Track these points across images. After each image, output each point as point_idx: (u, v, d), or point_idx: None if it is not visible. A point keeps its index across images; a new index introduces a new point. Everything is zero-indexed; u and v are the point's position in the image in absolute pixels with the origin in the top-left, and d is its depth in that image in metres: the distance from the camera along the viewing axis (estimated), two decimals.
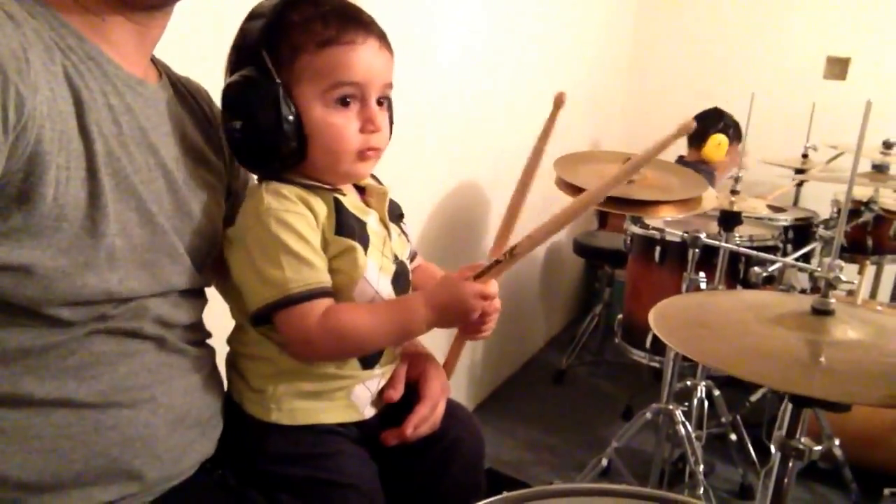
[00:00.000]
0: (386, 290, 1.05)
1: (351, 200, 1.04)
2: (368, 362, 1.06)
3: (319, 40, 0.96)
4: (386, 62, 1.01)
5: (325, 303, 0.97)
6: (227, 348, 1.10)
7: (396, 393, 1.11)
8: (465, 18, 2.47)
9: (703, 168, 3.24)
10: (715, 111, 3.35)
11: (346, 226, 1.00)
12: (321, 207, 1.00)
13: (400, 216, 1.14)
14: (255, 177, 1.08)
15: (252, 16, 0.99)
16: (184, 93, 1.03)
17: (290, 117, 0.96)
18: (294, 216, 0.97)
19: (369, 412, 1.09)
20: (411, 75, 2.14)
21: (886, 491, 2.12)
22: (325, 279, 0.98)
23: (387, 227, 1.08)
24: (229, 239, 1.01)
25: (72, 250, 0.79)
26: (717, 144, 3.20)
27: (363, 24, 0.99)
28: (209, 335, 1.07)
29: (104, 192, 0.81)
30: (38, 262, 0.77)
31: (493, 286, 1.03)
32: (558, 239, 3.84)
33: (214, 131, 1.06)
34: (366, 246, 1.02)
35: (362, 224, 1.03)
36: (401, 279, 1.08)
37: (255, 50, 0.96)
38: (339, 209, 1.01)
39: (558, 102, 0.96)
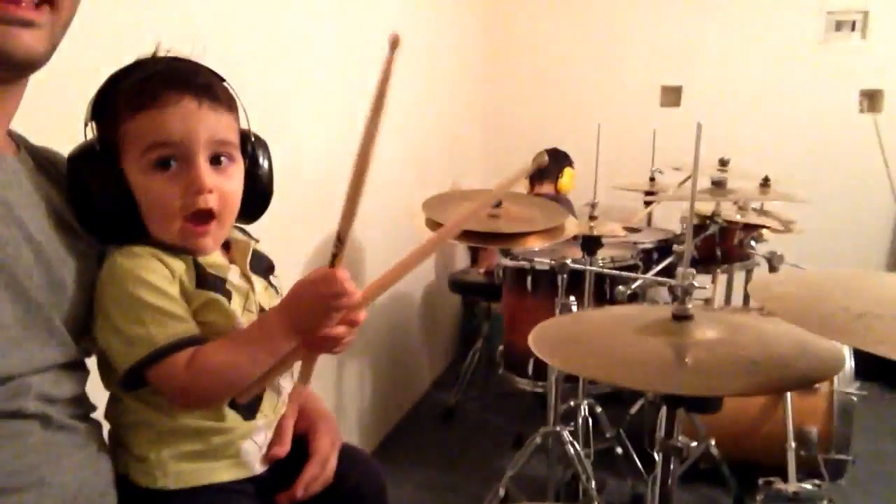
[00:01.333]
0: None
1: (209, 259, 1.04)
2: (249, 411, 1.05)
3: (135, 105, 0.96)
4: (212, 120, 0.99)
5: (192, 350, 0.96)
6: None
7: (282, 449, 1.08)
8: (319, 75, 2.51)
9: (561, 198, 3.44)
10: (555, 151, 3.71)
11: (206, 281, 1.01)
12: (178, 265, 1.00)
13: (269, 269, 1.14)
14: None
15: (105, 85, 1.00)
16: (44, 163, 1.01)
17: (114, 188, 0.97)
18: (148, 271, 0.96)
19: (260, 468, 1.07)
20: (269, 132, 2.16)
21: (760, 480, 2.27)
22: (190, 328, 0.97)
23: (249, 281, 1.07)
24: (97, 305, 0.99)
25: None
26: (570, 177, 3.57)
27: (183, 85, 0.97)
28: (94, 408, 1.03)
29: None
30: None
31: (332, 271, 0.96)
32: (432, 280, 3.91)
33: None
34: (229, 299, 1.02)
35: (222, 280, 1.03)
36: None
37: (85, 122, 0.99)
38: (197, 267, 1.01)
39: (394, 44, 0.84)
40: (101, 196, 0.96)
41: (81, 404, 1.00)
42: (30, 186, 0.93)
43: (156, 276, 0.96)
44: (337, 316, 0.98)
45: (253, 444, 1.06)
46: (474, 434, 3.40)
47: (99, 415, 1.05)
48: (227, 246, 1.09)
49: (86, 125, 0.99)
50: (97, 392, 1.04)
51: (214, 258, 1.05)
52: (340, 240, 0.95)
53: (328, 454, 1.14)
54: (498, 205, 2.22)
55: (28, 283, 0.87)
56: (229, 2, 1.96)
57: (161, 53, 1.03)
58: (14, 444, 0.86)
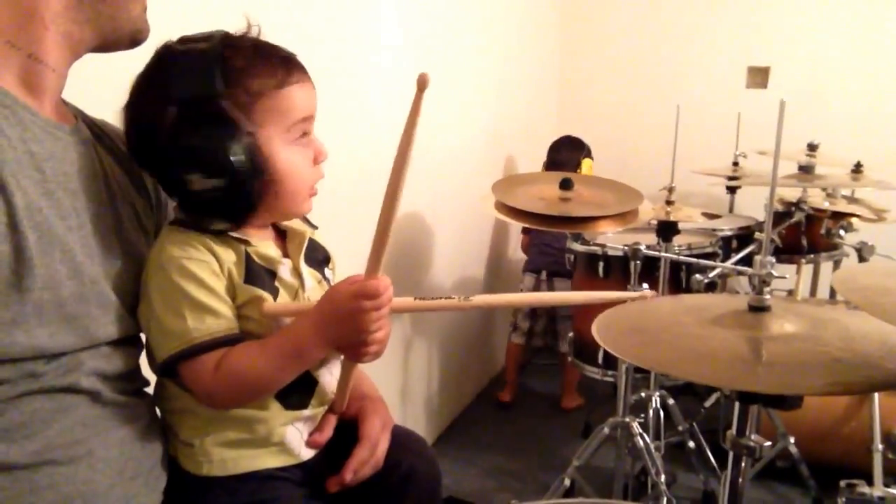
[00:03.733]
0: None
1: (260, 250, 1.01)
2: (292, 403, 1.03)
3: (276, 83, 0.95)
4: None
5: (223, 352, 0.95)
6: None
7: (321, 437, 1.07)
8: (400, 56, 2.49)
9: None
10: (572, 140, 3.53)
11: (255, 276, 0.98)
12: (228, 255, 0.97)
13: (325, 260, 1.11)
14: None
15: (186, 62, 0.92)
16: (100, 134, 1.01)
17: (268, 162, 0.95)
18: (196, 263, 0.94)
19: (307, 454, 1.06)
20: (345, 116, 2.15)
21: (842, 483, 2.15)
22: (231, 326, 0.96)
23: (300, 277, 1.04)
24: (142, 289, 0.98)
25: None
26: (589, 168, 3.43)
27: (299, 63, 1.00)
28: (147, 383, 1.04)
29: (28, 245, 0.79)
30: None
31: (374, 283, 0.94)
32: (504, 262, 3.86)
33: (135, 170, 1.04)
34: (275, 296, 1.00)
35: (272, 275, 1.01)
36: None
37: (214, 101, 0.91)
38: (248, 259, 0.99)
39: (422, 84, 0.85)
40: (257, 178, 0.94)
41: (134, 379, 1.00)
42: (88, 156, 0.93)
43: (202, 269, 0.94)
44: (378, 327, 0.97)
45: (296, 431, 1.04)
46: (542, 422, 3.35)
47: (151, 390, 1.05)
48: (283, 235, 1.07)
49: (211, 104, 0.92)
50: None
51: (267, 250, 1.02)
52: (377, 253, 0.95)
53: (378, 438, 1.12)
54: (569, 186, 2.16)
55: (84, 256, 0.87)
56: None
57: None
58: (64, 419, 0.86)
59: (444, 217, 2.96)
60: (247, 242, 1.00)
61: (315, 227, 1.11)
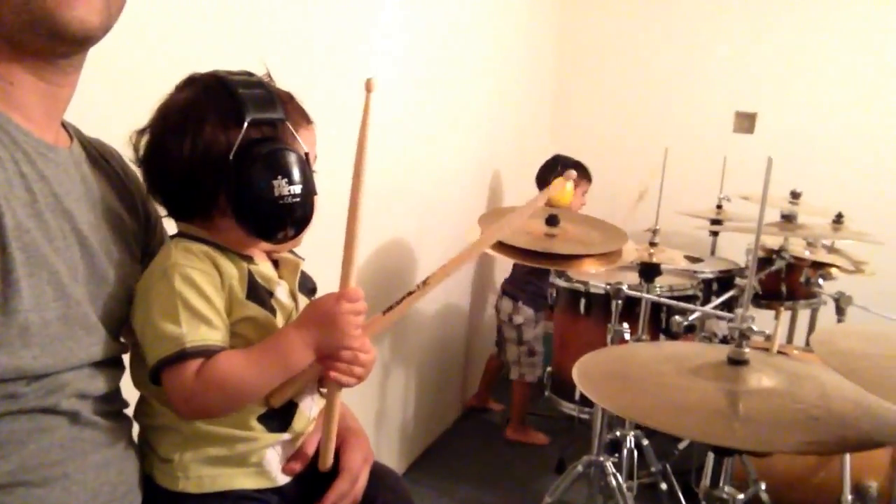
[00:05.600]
0: None
1: (261, 270, 1.04)
2: (274, 426, 1.03)
3: (305, 119, 1.05)
4: None
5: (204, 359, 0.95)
6: None
7: (297, 465, 1.06)
8: (393, 84, 2.50)
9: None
10: (552, 158, 3.46)
11: (256, 293, 1.00)
12: (231, 270, 0.99)
13: (312, 290, 1.14)
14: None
15: (248, 87, 0.99)
16: (96, 156, 1.01)
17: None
18: (199, 273, 0.96)
19: (283, 479, 1.05)
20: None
21: None
22: (223, 339, 0.96)
23: (296, 300, 1.07)
24: (134, 294, 0.99)
25: None
26: (558, 187, 3.30)
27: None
28: (126, 405, 1.03)
29: (15, 266, 0.78)
30: None
31: (354, 288, 1.01)
32: (480, 290, 3.87)
33: (129, 192, 1.04)
34: (273, 315, 1.02)
35: (270, 294, 1.03)
36: None
37: (282, 120, 0.99)
38: (250, 275, 1.01)
39: (369, 87, 0.97)
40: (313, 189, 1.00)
41: (114, 401, 0.99)
42: (79, 178, 0.93)
43: (204, 280, 0.96)
44: (358, 332, 1.01)
45: (275, 455, 1.04)
46: (516, 454, 3.34)
47: (131, 411, 1.04)
48: (275, 263, 1.09)
49: (273, 123, 0.99)
50: (131, 388, 1.03)
51: (266, 270, 1.05)
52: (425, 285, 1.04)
53: (358, 472, 1.11)
54: (555, 222, 2.17)
55: (71, 278, 0.86)
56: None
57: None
58: (42, 439, 0.85)
59: (429, 244, 2.96)
60: (250, 260, 1.02)
61: (303, 259, 1.12)
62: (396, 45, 2.53)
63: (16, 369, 0.80)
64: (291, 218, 0.98)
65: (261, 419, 1.02)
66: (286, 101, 1.02)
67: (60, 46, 0.85)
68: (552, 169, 3.40)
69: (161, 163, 0.99)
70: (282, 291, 1.05)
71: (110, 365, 0.96)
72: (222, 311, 0.97)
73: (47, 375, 0.84)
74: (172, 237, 1.03)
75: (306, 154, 1.00)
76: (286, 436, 1.05)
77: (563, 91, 4.38)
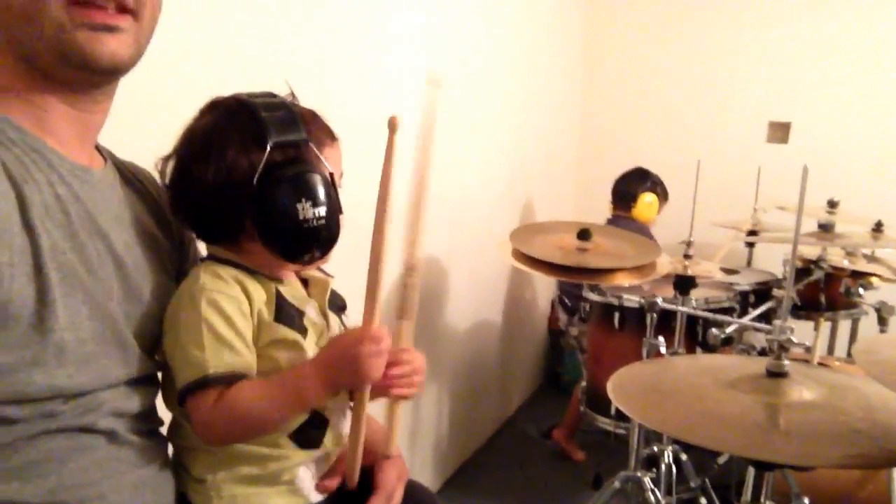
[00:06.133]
0: None
1: (290, 290, 1.04)
2: (305, 442, 1.03)
3: (329, 137, 1.04)
4: None
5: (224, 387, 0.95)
6: None
7: (331, 483, 1.07)
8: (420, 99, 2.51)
9: (637, 226, 3.30)
10: (639, 171, 3.46)
11: (285, 314, 1.00)
12: (259, 293, 0.99)
13: (342, 308, 1.13)
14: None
15: (272, 109, 0.99)
16: (129, 177, 1.03)
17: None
18: (226, 298, 0.96)
19: (316, 497, 1.05)
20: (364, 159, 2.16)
21: None
22: (245, 364, 0.96)
23: (326, 318, 1.07)
24: (165, 317, 0.99)
25: (18, 348, 0.77)
26: (647, 203, 3.32)
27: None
28: (161, 423, 1.04)
29: (51, 286, 0.79)
30: None
31: (379, 328, 0.98)
32: (514, 308, 3.85)
33: (162, 213, 1.06)
34: (304, 335, 1.01)
35: (301, 314, 1.03)
36: None
37: (305, 142, 0.99)
38: (279, 297, 1.01)
39: (392, 127, 0.95)
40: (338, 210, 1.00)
41: (149, 419, 1.00)
42: (114, 199, 0.95)
43: (231, 305, 0.96)
44: (380, 374, 0.99)
45: (308, 472, 1.04)
46: (552, 469, 3.31)
47: (166, 429, 1.05)
48: (305, 282, 1.09)
49: (297, 145, 0.99)
50: (164, 407, 1.04)
51: (296, 290, 1.05)
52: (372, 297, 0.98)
53: (393, 489, 1.11)
54: (587, 236, 2.16)
55: (107, 297, 0.88)
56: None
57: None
58: (80, 459, 0.86)
59: (459, 260, 2.96)
60: (279, 280, 1.02)
61: (332, 277, 1.12)
62: (422, 58, 2.54)
63: (52, 388, 0.81)
64: (317, 240, 0.99)
65: (291, 436, 1.02)
66: (309, 121, 1.02)
67: (92, 78, 0.88)
68: (639, 182, 3.39)
69: (186, 188, 1.00)
70: (312, 310, 1.05)
71: (146, 383, 0.97)
72: (247, 337, 0.97)
73: (84, 394, 0.85)
74: (202, 259, 1.04)
75: (331, 174, 1.00)
76: (318, 453, 1.05)
77: (591, 104, 4.37)
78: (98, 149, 0.99)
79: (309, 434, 1.03)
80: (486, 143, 3.16)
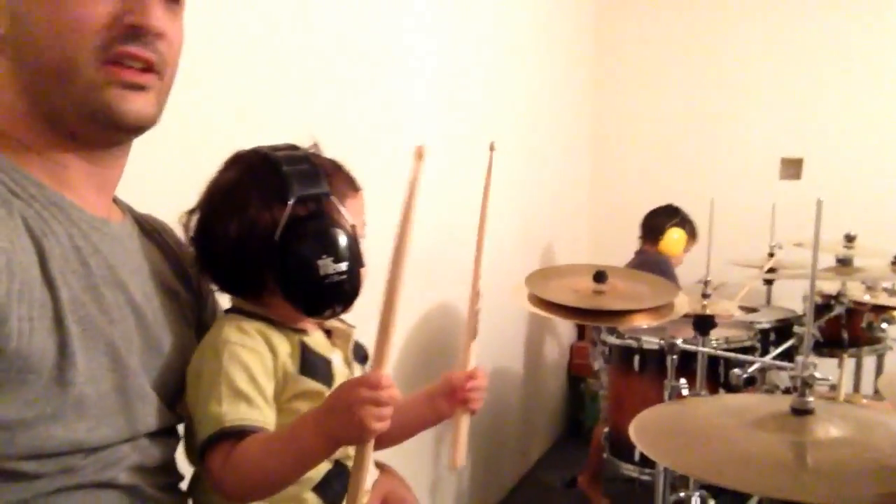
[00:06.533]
0: None
1: (315, 340, 1.04)
2: (329, 496, 1.01)
3: (351, 189, 1.05)
4: None
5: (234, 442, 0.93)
6: None
7: None
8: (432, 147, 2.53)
9: (661, 259, 3.28)
10: (669, 207, 3.46)
11: (310, 365, 1.00)
12: (284, 346, 0.99)
13: (365, 357, 1.13)
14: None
15: (294, 163, 0.99)
16: (148, 229, 1.04)
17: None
18: (248, 353, 0.96)
19: None
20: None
21: None
22: (261, 420, 0.94)
23: (350, 368, 1.07)
24: (188, 372, 0.99)
25: (38, 402, 0.77)
26: (674, 239, 3.30)
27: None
28: (182, 478, 1.02)
29: (72, 339, 0.79)
30: (0, 415, 0.75)
31: (376, 372, 0.90)
32: (533, 355, 3.82)
33: (181, 265, 1.06)
34: (329, 385, 1.01)
35: (327, 362, 1.03)
36: None
37: (327, 196, 0.99)
38: (303, 349, 1.01)
39: (419, 155, 0.91)
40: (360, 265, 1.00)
41: (170, 473, 0.99)
42: (133, 251, 0.95)
43: (254, 360, 0.96)
44: (379, 426, 0.89)
45: None
46: None
47: (185, 485, 1.04)
48: (327, 333, 1.09)
49: (318, 198, 0.99)
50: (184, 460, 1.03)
51: (320, 340, 1.05)
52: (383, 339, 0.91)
53: None
54: (603, 279, 2.14)
55: (127, 349, 0.87)
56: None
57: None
58: None
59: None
60: (303, 332, 1.02)
61: (353, 327, 1.12)
62: (435, 107, 2.57)
63: (72, 442, 0.80)
64: (338, 296, 0.99)
65: (315, 489, 1.00)
66: (331, 173, 1.03)
67: (115, 136, 0.90)
68: (668, 217, 3.40)
69: (210, 243, 1.01)
70: (337, 360, 1.05)
71: (166, 435, 0.97)
72: (268, 393, 0.96)
73: (104, 448, 0.84)
74: (227, 311, 1.04)
75: (353, 226, 1.00)
76: None
77: (601, 146, 4.40)
78: (116, 202, 1.00)
79: (333, 487, 1.01)
80: (495, 192, 3.17)
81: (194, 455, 0.99)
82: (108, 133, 0.89)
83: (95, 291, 0.85)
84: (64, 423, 0.79)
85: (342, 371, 1.05)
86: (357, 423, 0.87)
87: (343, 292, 0.98)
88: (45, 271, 0.79)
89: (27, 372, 0.76)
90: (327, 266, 0.95)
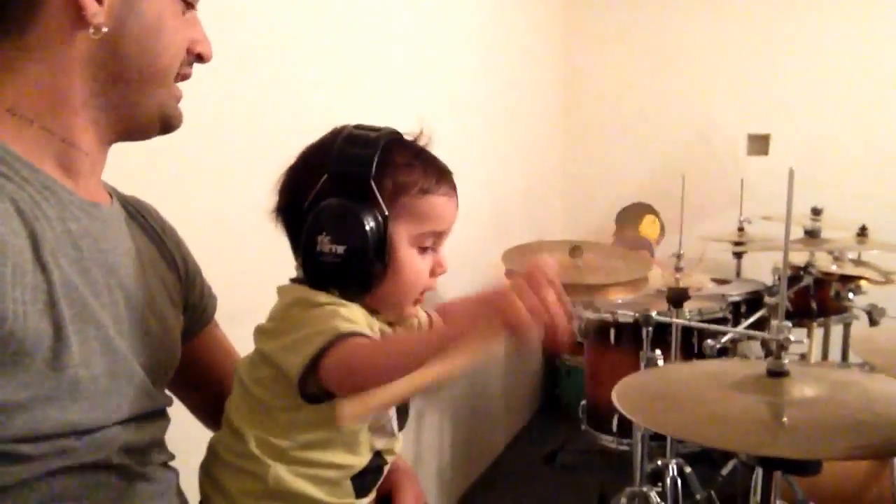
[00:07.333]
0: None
1: (384, 328, 1.02)
2: (361, 489, 1.02)
3: (423, 187, 0.99)
4: None
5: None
6: (189, 467, 1.05)
7: None
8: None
9: (644, 240, 3.40)
10: (639, 203, 3.73)
11: None
12: (376, 328, 0.98)
13: None
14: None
15: (351, 142, 0.98)
16: (134, 212, 1.04)
17: (389, 250, 0.97)
18: (348, 309, 0.94)
19: None
20: None
21: None
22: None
23: None
24: (264, 331, 0.99)
25: (33, 384, 0.77)
26: (651, 222, 3.44)
27: (452, 180, 1.04)
28: (173, 457, 1.03)
29: (65, 322, 0.80)
30: None
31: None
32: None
33: (166, 247, 1.07)
34: None
35: None
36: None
37: (362, 179, 0.96)
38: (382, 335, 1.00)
39: None
40: (377, 255, 0.96)
41: (161, 453, 1.00)
42: (122, 234, 0.96)
43: (354, 314, 0.94)
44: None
45: None
46: (557, 490, 3.29)
47: (176, 463, 1.04)
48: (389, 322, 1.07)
49: (360, 182, 0.96)
50: (176, 439, 1.04)
51: (388, 329, 1.03)
52: None
53: None
54: (579, 253, 2.18)
55: (117, 331, 0.88)
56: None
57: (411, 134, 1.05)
58: (95, 495, 0.86)
59: (455, 288, 2.97)
60: (377, 313, 1.01)
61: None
62: (403, 90, 2.58)
63: (66, 424, 0.81)
64: (332, 277, 0.97)
65: (353, 480, 1.00)
66: (399, 164, 0.98)
67: (157, 135, 0.98)
68: (642, 208, 3.72)
69: (280, 203, 1.04)
70: None
71: (156, 417, 0.98)
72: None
73: (97, 430, 0.85)
74: (294, 283, 1.03)
75: (384, 216, 0.96)
76: (365, 501, 1.04)
77: (572, 126, 4.42)
78: (103, 185, 1.00)
79: (367, 480, 1.03)
80: (471, 166, 3.19)
81: (247, 414, 0.99)
82: (155, 134, 0.97)
83: (87, 275, 0.85)
84: (59, 406, 0.80)
85: None
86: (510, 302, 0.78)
87: (336, 275, 0.96)
88: (38, 254, 0.79)
89: (22, 355, 0.76)
90: (323, 243, 0.95)
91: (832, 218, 2.85)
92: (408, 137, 1.04)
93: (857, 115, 3.79)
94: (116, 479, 0.89)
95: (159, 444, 0.99)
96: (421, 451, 2.76)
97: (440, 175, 1.02)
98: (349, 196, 0.95)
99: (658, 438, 2.41)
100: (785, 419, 1.09)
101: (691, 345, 2.52)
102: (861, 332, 2.37)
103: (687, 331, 2.44)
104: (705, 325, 2.33)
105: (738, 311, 2.88)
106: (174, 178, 1.43)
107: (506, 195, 3.65)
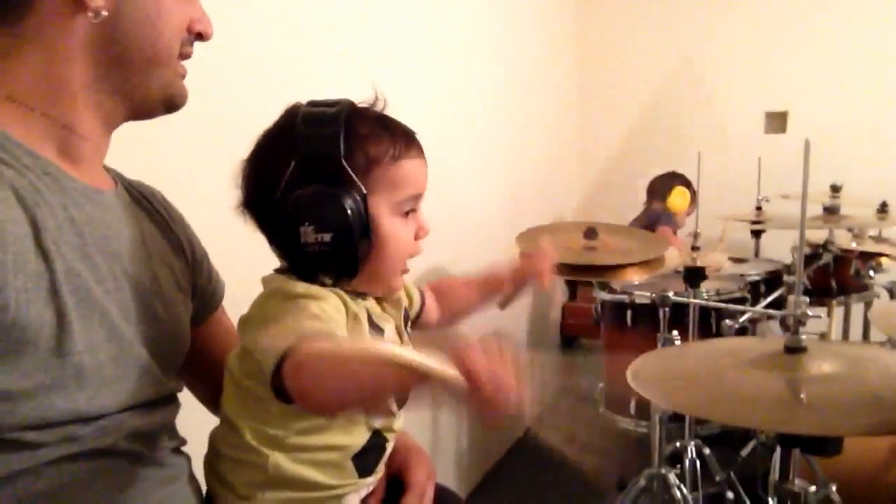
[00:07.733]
0: None
1: (375, 309, 1.02)
2: (364, 469, 1.02)
3: (393, 154, 0.98)
4: None
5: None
6: (201, 454, 1.05)
7: (375, 501, 1.07)
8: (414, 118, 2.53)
9: (670, 214, 3.36)
10: (674, 172, 3.55)
11: (374, 330, 0.99)
12: (355, 310, 0.97)
13: (408, 319, 1.12)
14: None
15: (311, 122, 0.95)
16: (138, 197, 1.03)
17: (373, 226, 0.96)
18: (322, 300, 0.92)
19: None
20: None
21: None
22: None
23: (401, 337, 1.06)
24: (244, 322, 0.97)
25: (37, 372, 0.77)
26: (681, 194, 3.39)
27: (418, 140, 1.03)
28: (184, 442, 1.03)
29: (68, 310, 0.80)
30: (1, 386, 0.75)
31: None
32: (530, 315, 3.85)
33: (173, 231, 1.06)
34: None
35: (381, 332, 1.01)
36: None
37: (334, 159, 0.93)
38: (369, 316, 1.00)
39: None
40: (363, 236, 0.95)
41: (171, 438, 1.00)
42: (126, 219, 0.95)
43: (326, 309, 0.91)
44: None
45: (356, 498, 1.04)
46: (576, 474, 3.28)
47: (187, 448, 1.04)
48: (378, 298, 1.06)
49: (331, 162, 0.94)
50: (188, 425, 1.04)
51: (377, 308, 1.03)
52: None
53: (424, 487, 1.12)
54: (594, 235, 2.16)
55: (123, 319, 0.88)
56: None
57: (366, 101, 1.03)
58: (103, 481, 0.86)
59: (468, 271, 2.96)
60: (364, 296, 1.00)
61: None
62: (417, 73, 2.56)
63: (72, 411, 0.81)
64: (323, 266, 0.95)
65: (354, 460, 1.00)
66: (365, 135, 0.97)
67: (159, 115, 0.97)
68: (674, 177, 3.54)
69: (246, 197, 1.01)
70: (390, 330, 1.03)
71: (165, 402, 0.98)
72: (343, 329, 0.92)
73: (103, 416, 0.85)
74: (275, 273, 1.01)
75: (362, 194, 0.94)
76: (370, 479, 1.04)
77: (587, 105, 4.40)
78: (106, 170, 1.00)
79: (369, 460, 1.02)
80: (484, 150, 3.17)
81: (239, 408, 0.98)
82: (159, 114, 0.96)
83: (90, 262, 0.85)
84: (64, 393, 0.80)
85: (395, 340, 1.03)
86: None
87: (326, 263, 0.95)
88: (40, 242, 0.79)
89: (25, 343, 0.76)
90: (307, 234, 0.92)
91: (851, 195, 2.81)
92: (363, 105, 1.02)
93: (876, 90, 3.73)
94: (125, 464, 0.89)
95: (169, 429, 0.99)
96: (439, 436, 2.76)
97: (407, 138, 1.01)
98: (324, 180, 0.93)
99: (676, 420, 2.39)
100: (803, 395, 1.07)
101: (709, 325, 2.50)
102: (882, 306, 2.33)
103: (705, 311, 2.42)
104: (723, 305, 2.30)
105: (756, 291, 2.84)
106: (176, 165, 1.42)
107: (522, 177, 3.62)
